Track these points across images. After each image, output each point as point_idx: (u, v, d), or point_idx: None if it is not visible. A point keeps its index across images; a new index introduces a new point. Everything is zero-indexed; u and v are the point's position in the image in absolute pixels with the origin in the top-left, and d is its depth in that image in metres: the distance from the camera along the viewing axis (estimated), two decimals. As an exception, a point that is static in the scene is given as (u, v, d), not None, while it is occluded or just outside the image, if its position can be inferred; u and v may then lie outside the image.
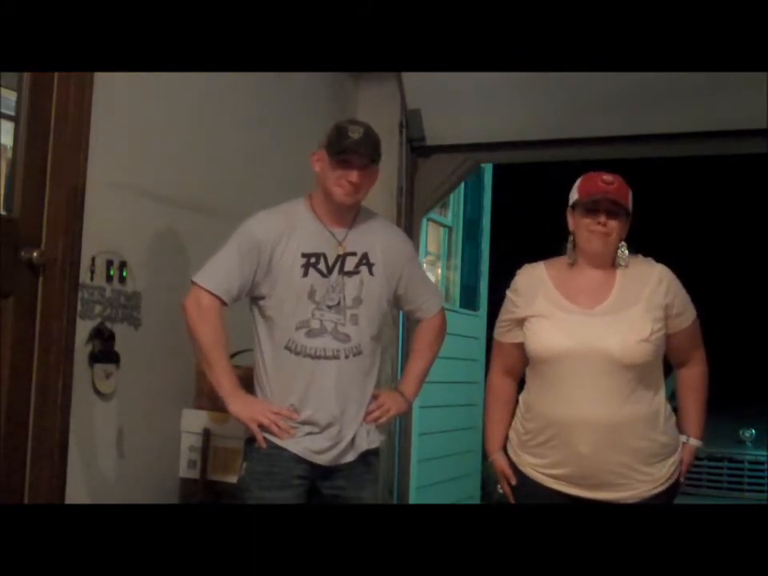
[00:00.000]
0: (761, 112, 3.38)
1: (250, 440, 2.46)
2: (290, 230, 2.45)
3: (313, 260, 2.44)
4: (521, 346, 2.38)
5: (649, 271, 2.33)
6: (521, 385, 2.47)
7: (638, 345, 2.23)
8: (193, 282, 2.44)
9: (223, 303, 2.42)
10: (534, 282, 2.36)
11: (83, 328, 2.73)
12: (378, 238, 2.54)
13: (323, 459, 2.43)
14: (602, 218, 2.27)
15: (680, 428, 2.39)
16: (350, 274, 2.46)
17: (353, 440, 2.46)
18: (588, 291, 2.31)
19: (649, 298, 2.28)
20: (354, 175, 2.41)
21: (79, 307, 2.70)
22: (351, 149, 2.40)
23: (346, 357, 2.44)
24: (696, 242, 9.15)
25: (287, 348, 2.42)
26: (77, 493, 2.69)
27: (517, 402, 2.45)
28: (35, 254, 2.57)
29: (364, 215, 2.56)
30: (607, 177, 2.28)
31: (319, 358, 2.42)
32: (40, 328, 2.60)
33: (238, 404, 2.42)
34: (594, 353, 2.22)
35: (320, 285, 2.43)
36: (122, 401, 2.88)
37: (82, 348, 2.73)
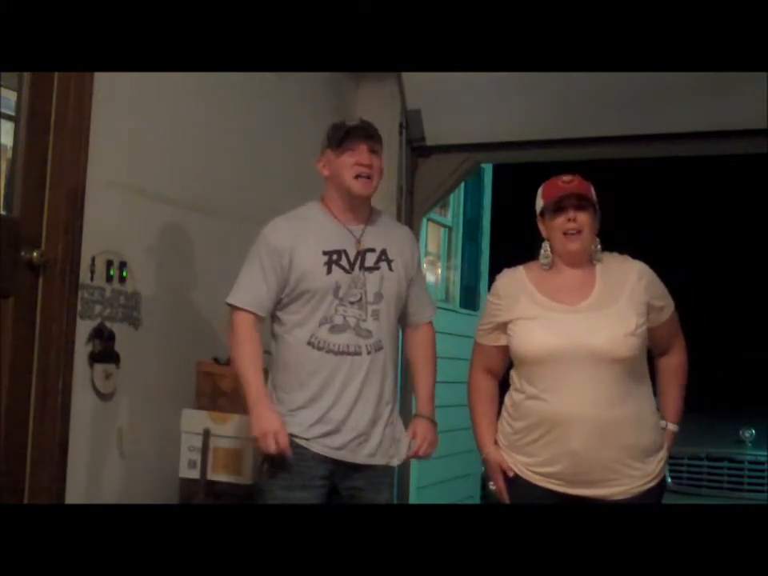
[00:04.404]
0: (761, 112, 3.38)
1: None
2: (306, 230, 2.48)
3: (335, 257, 2.46)
4: (501, 349, 2.42)
5: (628, 268, 2.36)
6: (502, 387, 2.49)
7: (626, 338, 2.25)
8: (228, 304, 2.47)
9: (259, 318, 2.46)
10: (515, 286, 2.39)
11: (83, 328, 2.73)
12: (393, 236, 2.59)
13: (343, 455, 2.45)
14: (571, 214, 2.31)
15: (659, 414, 2.41)
16: (370, 269, 2.49)
17: (379, 442, 2.49)
18: (570, 289, 2.34)
19: (630, 293, 2.31)
20: (364, 156, 2.45)
21: (79, 307, 2.70)
22: (354, 131, 2.46)
23: (368, 352, 2.47)
24: (696, 241, 9.16)
25: (309, 344, 2.45)
26: (77, 493, 2.70)
27: (501, 402, 2.47)
28: (35, 254, 2.57)
29: (376, 213, 2.60)
30: (566, 177, 2.35)
31: (342, 353, 2.44)
32: (40, 328, 2.60)
33: (256, 416, 2.40)
34: (583, 348, 2.24)
35: (343, 281, 2.46)
36: (122, 401, 2.89)
37: (82, 348, 2.73)
